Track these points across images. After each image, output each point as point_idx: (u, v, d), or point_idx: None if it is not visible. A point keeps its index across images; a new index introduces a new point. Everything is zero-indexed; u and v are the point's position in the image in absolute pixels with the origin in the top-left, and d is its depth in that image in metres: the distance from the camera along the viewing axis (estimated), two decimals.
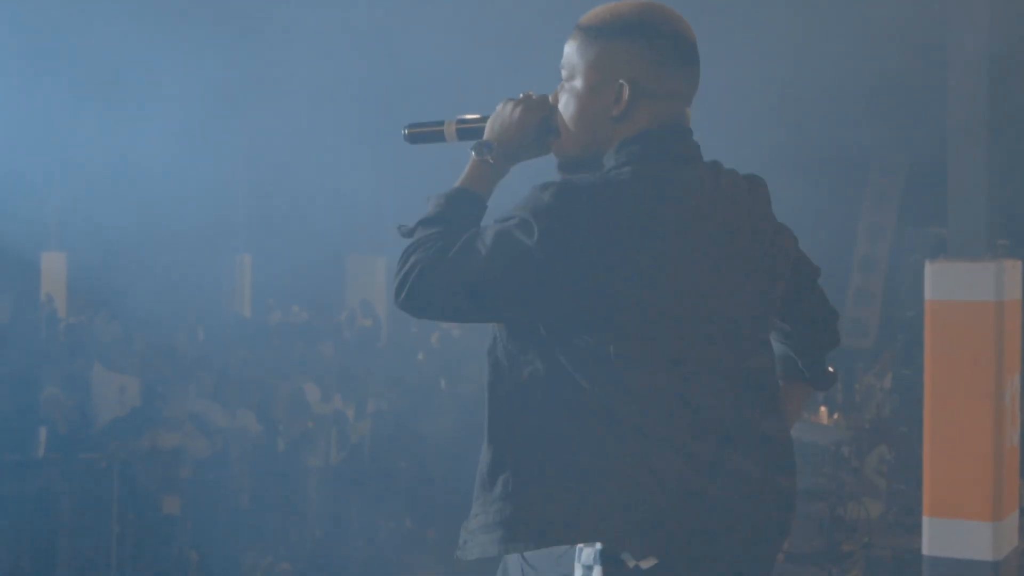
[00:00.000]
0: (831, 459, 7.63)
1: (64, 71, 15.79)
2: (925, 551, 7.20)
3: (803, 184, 17.59)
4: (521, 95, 2.87)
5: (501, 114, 2.85)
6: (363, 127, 15.67)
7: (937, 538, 7.16)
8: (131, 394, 12.35)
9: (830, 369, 3.25)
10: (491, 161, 2.82)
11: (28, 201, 17.42)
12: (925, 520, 7.22)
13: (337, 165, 17.36)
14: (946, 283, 7.16)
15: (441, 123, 2.94)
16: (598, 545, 2.67)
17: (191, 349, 15.42)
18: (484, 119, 2.91)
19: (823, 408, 11.60)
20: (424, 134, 2.96)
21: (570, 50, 2.80)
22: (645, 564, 2.62)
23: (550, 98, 2.88)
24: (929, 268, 7.23)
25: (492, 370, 2.77)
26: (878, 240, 20.65)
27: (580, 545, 2.70)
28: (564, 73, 2.83)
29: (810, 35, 14.84)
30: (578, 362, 2.65)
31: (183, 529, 11.36)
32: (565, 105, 2.82)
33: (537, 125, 2.83)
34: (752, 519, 2.74)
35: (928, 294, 7.21)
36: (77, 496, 10.71)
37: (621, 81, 2.75)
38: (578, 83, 2.79)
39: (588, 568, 2.68)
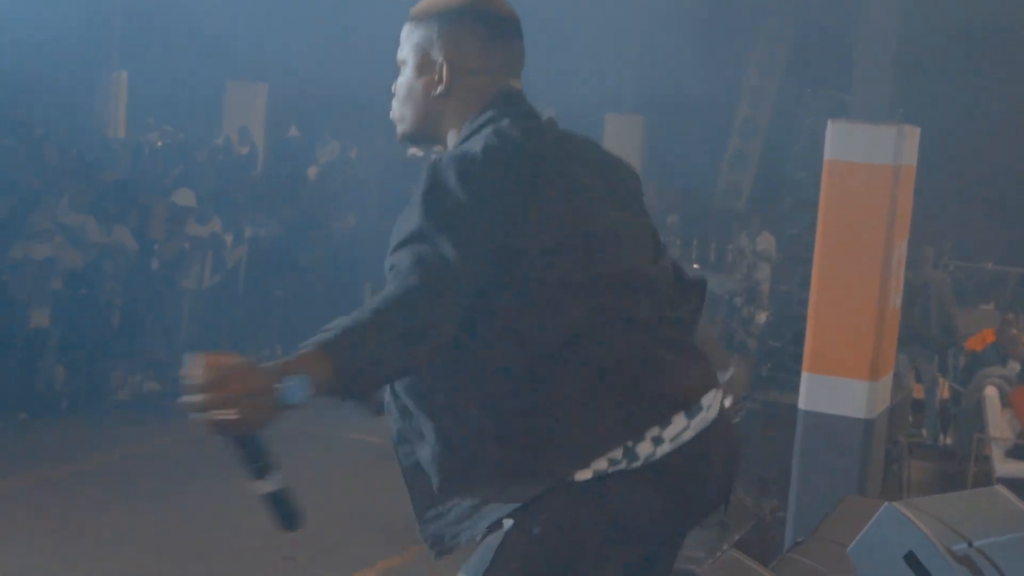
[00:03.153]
0: (725, 308, 7.73)
1: None
2: (801, 405, 7.35)
3: (688, 47, 17.63)
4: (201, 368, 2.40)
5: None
6: None
7: (814, 393, 7.30)
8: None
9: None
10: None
11: None
12: (804, 375, 7.35)
13: None
14: (847, 144, 7.22)
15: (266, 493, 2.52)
16: None
17: (64, 162, 14.99)
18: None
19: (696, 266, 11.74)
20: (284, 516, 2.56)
21: (402, 38, 3.06)
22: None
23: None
24: (831, 127, 7.27)
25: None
26: (759, 104, 20.82)
27: None
28: (399, 58, 3.07)
29: None
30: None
31: (51, 342, 11.18)
32: (399, 87, 3.06)
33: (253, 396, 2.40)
34: None
35: (827, 154, 7.26)
36: None
37: (441, 61, 2.97)
38: (407, 67, 3.04)
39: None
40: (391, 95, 3.11)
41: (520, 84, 3.03)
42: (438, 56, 2.98)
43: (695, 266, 11.37)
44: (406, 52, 3.04)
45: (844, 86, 8.37)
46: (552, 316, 2.74)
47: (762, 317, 10.37)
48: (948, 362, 12.35)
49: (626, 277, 2.85)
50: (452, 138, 3.00)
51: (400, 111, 3.07)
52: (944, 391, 12.08)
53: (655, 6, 17.47)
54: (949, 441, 11.85)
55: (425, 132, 3.05)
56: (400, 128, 3.09)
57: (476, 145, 2.79)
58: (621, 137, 19.82)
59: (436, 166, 2.75)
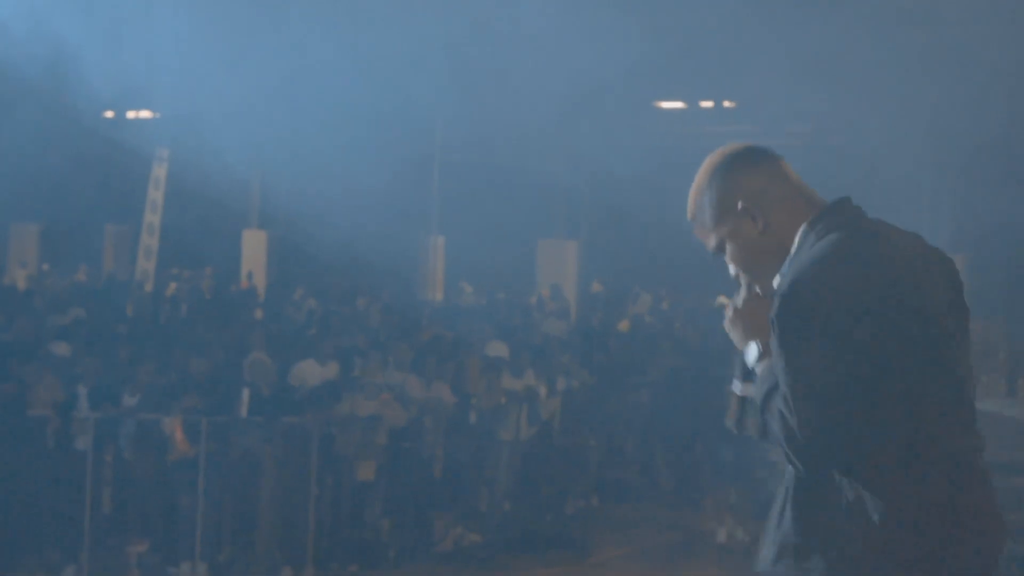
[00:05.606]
0: None
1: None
2: None
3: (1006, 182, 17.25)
4: (726, 310, 3.23)
5: (735, 332, 3.21)
6: None
7: None
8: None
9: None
10: (760, 357, 3.11)
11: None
12: None
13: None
14: None
15: (738, 397, 3.24)
16: None
17: (386, 323, 15.74)
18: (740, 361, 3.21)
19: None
20: (739, 413, 3.25)
21: (699, 234, 3.23)
22: None
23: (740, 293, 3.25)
24: None
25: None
26: None
27: None
28: (708, 243, 3.22)
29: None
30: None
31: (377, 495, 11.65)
32: (735, 262, 3.20)
33: (753, 309, 3.18)
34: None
35: None
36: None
37: (742, 206, 3.13)
38: (726, 240, 3.18)
39: None
40: (733, 278, 3.26)
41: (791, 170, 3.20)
42: (736, 206, 3.14)
43: None
44: (715, 233, 3.19)
45: None
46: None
47: None
48: None
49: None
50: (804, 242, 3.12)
51: (752, 274, 3.20)
52: None
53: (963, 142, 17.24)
54: None
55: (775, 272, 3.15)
56: (766, 285, 3.17)
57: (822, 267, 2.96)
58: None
59: (790, 304, 2.95)
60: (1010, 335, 18.83)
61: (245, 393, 11.16)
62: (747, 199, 3.13)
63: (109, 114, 22.10)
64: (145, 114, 22.38)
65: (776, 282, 3.09)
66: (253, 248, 23.68)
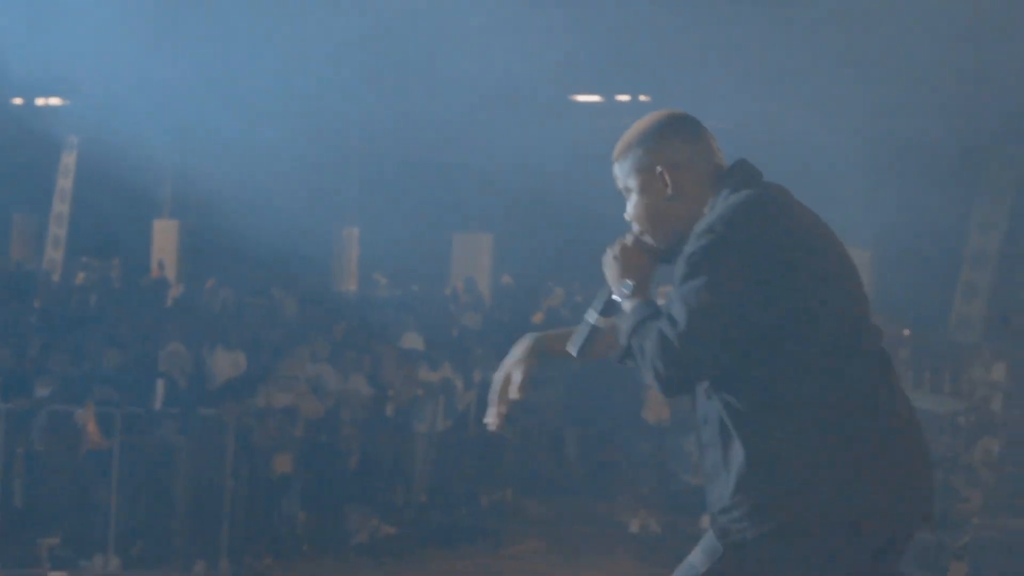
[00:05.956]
0: (948, 428, 7.65)
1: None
2: None
3: (916, 180, 17.54)
4: (613, 247, 3.45)
5: (611, 269, 3.43)
6: None
7: None
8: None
9: None
10: (631, 294, 3.37)
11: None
12: None
13: None
14: None
15: (590, 326, 3.44)
16: None
17: (302, 316, 15.68)
18: (605, 296, 3.43)
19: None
20: (585, 338, 3.46)
21: (617, 174, 3.46)
22: None
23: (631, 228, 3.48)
24: None
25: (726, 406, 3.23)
26: (989, 235, 20.42)
27: None
28: (622, 188, 3.46)
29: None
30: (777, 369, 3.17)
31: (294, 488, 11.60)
32: (635, 214, 3.44)
33: (636, 251, 3.43)
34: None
35: None
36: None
37: (659, 170, 3.38)
38: (633, 192, 3.43)
39: None
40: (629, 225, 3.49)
41: (718, 148, 3.45)
42: (655, 168, 3.38)
43: None
44: (627, 181, 3.44)
45: None
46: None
47: (994, 445, 10.19)
48: None
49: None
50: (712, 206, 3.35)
51: (647, 229, 3.44)
52: None
53: (877, 139, 17.49)
54: None
55: (674, 239, 3.38)
56: (660, 245, 3.43)
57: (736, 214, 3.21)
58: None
59: (702, 243, 3.18)
60: (914, 330, 19.18)
61: (160, 384, 11.07)
62: (667, 166, 3.37)
63: (18, 101, 21.77)
64: (55, 101, 22.06)
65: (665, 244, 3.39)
66: (164, 238, 23.45)
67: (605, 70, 17.96)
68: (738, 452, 3.17)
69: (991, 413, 10.99)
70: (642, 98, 19.85)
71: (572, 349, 3.46)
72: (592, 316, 3.43)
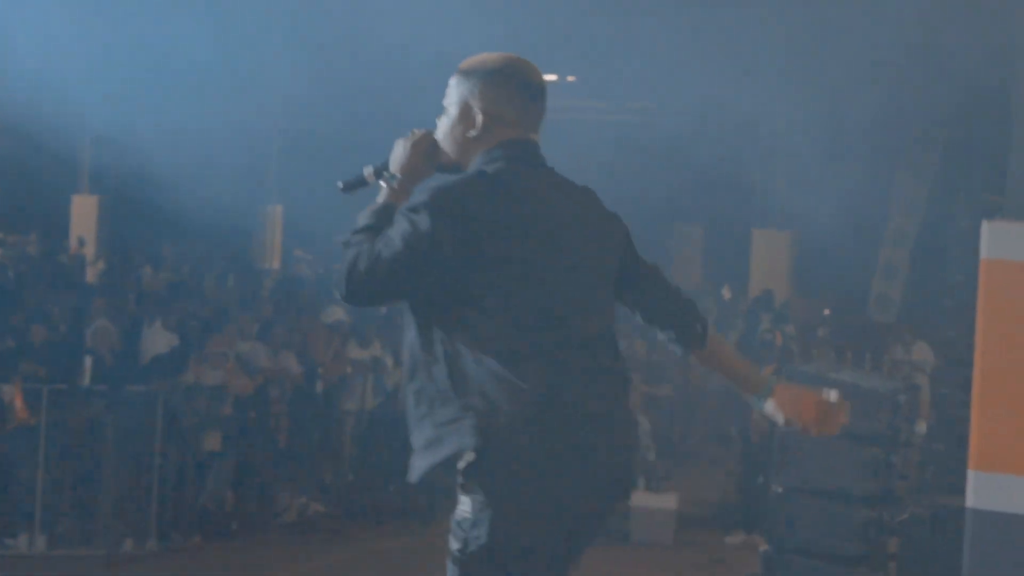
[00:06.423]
0: (888, 406, 7.76)
1: None
2: (969, 504, 7.28)
3: (836, 160, 17.73)
4: (411, 133, 3.67)
5: (396, 150, 3.66)
6: None
7: (983, 492, 7.24)
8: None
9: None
10: (396, 187, 3.62)
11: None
12: (970, 474, 7.30)
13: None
14: (1003, 242, 7.25)
15: (362, 174, 3.72)
16: None
17: (223, 293, 15.56)
18: (381, 166, 3.69)
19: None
20: (352, 183, 3.76)
21: (449, 86, 3.65)
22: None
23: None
24: (986, 227, 7.31)
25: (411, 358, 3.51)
26: (909, 215, 20.70)
27: None
28: (445, 103, 3.66)
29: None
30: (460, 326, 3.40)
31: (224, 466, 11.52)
32: (440, 128, 3.66)
33: (424, 153, 3.65)
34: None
35: (984, 253, 7.29)
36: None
37: (479, 112, 3.57)
38: (450, 112, 3.64)
39: None
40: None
41: (538, 138, 3.63)
42: (477, 107, 3.58)
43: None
44: (451, 101, 3.64)
45: (997, 190, 8.42)
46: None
47: (922, 426, 10.34)
48: None
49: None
50: (474, 166, 3.60)
51: (444, 146, 3.66)
52: None
53: (802, 121, 17.64)
54: None
55: (456, 167, 3.63)
56: (442, 163, 3.66)
57: (455, 179, 3.50)
58: (769, 252, 19.85)
59: (421, 193, 3.46)
60: (834, 310, 19.43)
61: (87, 361, 10.94)
62: (488, 115, 3.58)
63: None
64: None
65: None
66: (83, 214, 23.15)
67: (534, 49, 17.92)
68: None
69: (917, 392, 11.16)
70: (569, 78, 19.90)
71: (339, 182, 3.76)
72: (368, 170, 3.69)
